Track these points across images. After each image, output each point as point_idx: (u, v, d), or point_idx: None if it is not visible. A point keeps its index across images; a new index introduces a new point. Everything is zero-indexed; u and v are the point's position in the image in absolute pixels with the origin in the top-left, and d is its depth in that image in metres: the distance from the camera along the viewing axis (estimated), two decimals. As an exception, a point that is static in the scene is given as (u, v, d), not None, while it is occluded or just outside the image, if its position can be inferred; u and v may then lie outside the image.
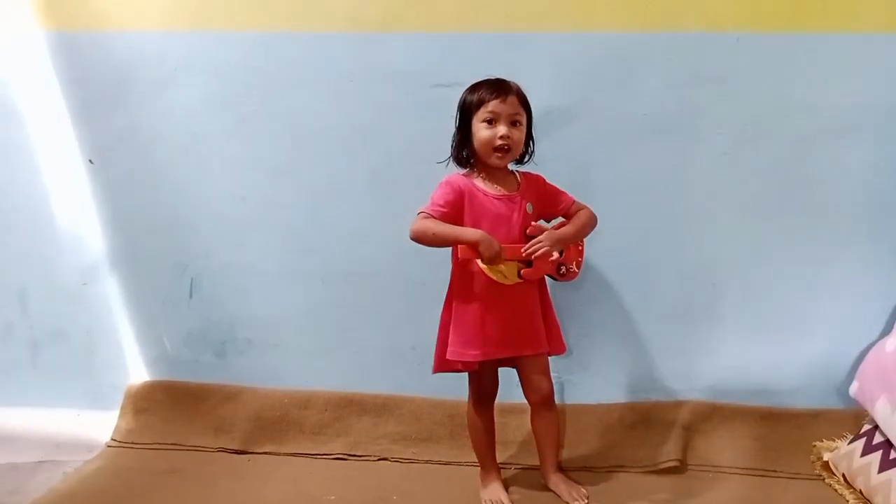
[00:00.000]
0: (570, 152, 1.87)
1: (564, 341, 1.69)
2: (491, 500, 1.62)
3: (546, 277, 1.67)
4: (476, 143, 1.58)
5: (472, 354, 1.56)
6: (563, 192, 1.68)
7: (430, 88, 1.86)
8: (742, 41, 1.82)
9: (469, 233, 1.54)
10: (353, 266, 1.96)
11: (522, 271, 1.58)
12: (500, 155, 1.57)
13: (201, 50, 1.93)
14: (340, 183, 1.94)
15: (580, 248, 1.71)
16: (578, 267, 1.70)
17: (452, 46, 1.87)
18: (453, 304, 1.61)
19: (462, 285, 1.60)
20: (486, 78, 1.60)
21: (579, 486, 1.67)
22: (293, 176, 1.96)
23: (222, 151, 1.96)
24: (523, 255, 1.56)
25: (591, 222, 1.67)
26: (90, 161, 1.96)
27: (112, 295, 2.01)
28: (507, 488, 1.68)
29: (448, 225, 1.55)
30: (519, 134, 1.58)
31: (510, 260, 1.56)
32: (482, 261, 1.53)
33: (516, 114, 1.57)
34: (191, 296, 1.99)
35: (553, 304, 1.70)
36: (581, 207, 1.67)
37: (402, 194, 1.79)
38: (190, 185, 1.97)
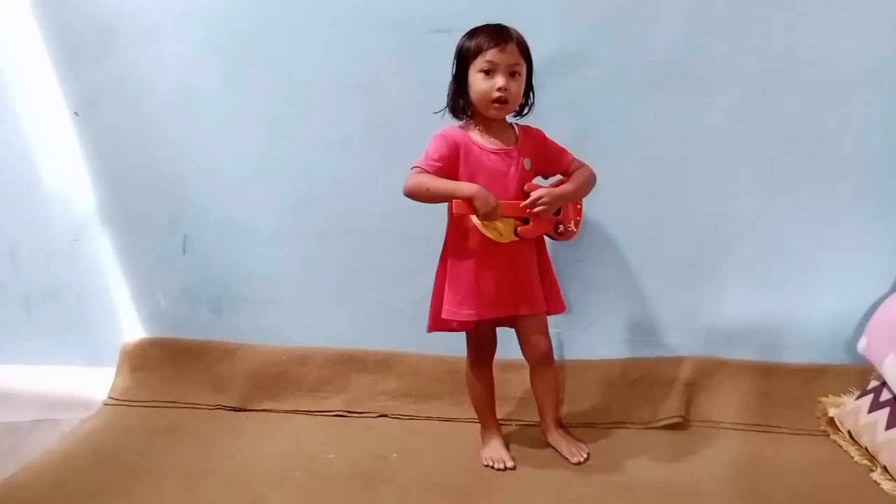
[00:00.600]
0: (575, 102, 1.80)
1: (564, 300, 1.65)
2: (491, 459, 1.61)
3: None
4: (473, 94, 1.51)
5: (467, 314, 1.53)
6: (562, 149, 1.61)
7: (428, 34, 1.78)
8: (754, -15, 1.74)
9: (465, 187, 1.49)
10: (351, 221, 1.91)
11: (519, 229, 1.53)
12: (497, 106, 1.50)
13: (191, -2, 1.85)
14: (337, 135, 1.88)
15: (578, 206, 1.66)
16: (577, 226, 1.65)
17: (451, -10, 1.79)
18: (448, 262, 1.56)
19: (457, 242, 1.55)
20: (485, 24, 1.52)
21: (579, 443, 1.66)
22: (288, 129, 1.89)
23: (215, 103, 1.90)
24: (522, 210, 1.51)
25: (591, 181, 1.60)
26: (75, 113, 1.90)
27: (104, 252, 1.98)
28: (507, 445, 1.66)
29: (443, 179, 1.50)
30: (517, 85, 1.50)
31: (507, 217, 1.51)
32: (477, 217, 1.49)
33: (516, 64, 1.49)
34: (184, 252, 1.95)
35: (552, 261, 1.65)
36: (581, 165, 1.61)
37: (401, 147, 1.73)
38: (182, 139, 1.91)
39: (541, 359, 1.63)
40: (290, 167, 1.91)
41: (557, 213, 1.60)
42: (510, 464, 1.59)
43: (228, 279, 1.97)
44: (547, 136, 1.61)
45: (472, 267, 1.53)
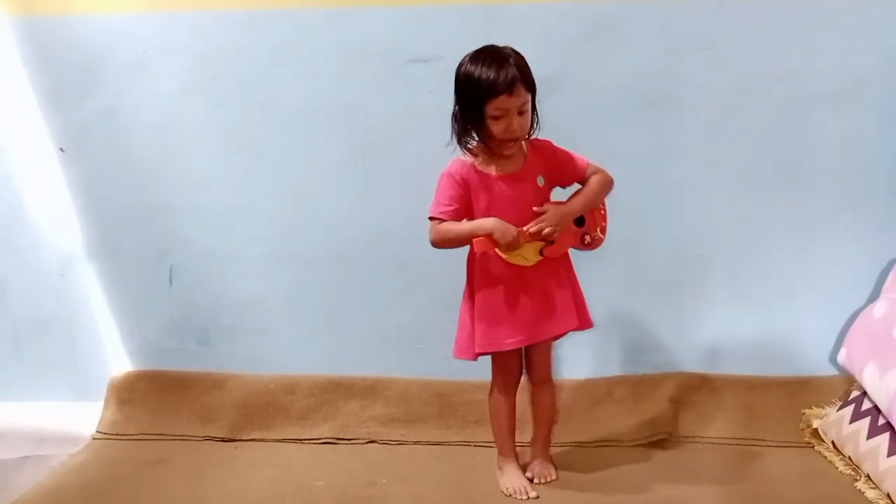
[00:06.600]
0: (552, 126, 1.79)
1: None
2: (513, 489, 1.56)
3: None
4: (486, 135, 1.48)
5: (510, 342, 1.52)
6: (573, 158, 1.56)
7: (406, 64, 1.82)
8: (724, 6, 1.78)
9: (483, 224, 1.48)
10: (336, 248, 1.93)
11: (544, 250, 1.51)
12: (510, 145, 1.49)
13: (173, 32, 1.88)
14: (320, 164, 1.91)
15: (602, 212, 1.60)
16: (603, 232, 1.60)
17: (428, 20, 1.83)
18: (476, 297, 1.54)
19: (484, 275, 1.53)
20: (486, 52, 1.47)
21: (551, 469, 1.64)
22: (272, 158, 1.92)
23: (199, 135, 1.92)
24: (526, 235, 1.49)
25: (604, 187, 1.56)
26: (61, 149, 1.92)
27: (91, 285, 1.98)
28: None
29: (461, 223, 1.50)
30: (525, 119, 1.48)
31: (528, 242, 1.50)
32: (500, 249, 1.48)
33: (524, 104, 1.47)
34: (170, 284, 1.96)
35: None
36: (595, 171, 1.55)
37: (383, 174, 1.76)
38: (166, 171, 1.93)
39: (542, 380, 1.63)
40: (275, 196, 1.93)
41: (581, 223, 1.58)
42: (533, 494, 1.55)
43: (215, 309, 1.97)
44: (555, 145, 1.58)
45: (505, 294, 1.52)
